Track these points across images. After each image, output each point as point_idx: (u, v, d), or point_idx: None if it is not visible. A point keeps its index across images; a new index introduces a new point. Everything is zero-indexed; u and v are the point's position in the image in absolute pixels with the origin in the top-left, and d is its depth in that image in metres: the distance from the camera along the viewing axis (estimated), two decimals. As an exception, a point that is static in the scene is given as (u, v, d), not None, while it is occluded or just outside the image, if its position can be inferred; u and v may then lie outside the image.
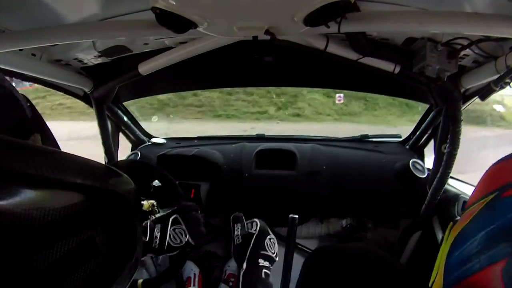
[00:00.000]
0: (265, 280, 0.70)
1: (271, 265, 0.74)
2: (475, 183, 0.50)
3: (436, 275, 0.54)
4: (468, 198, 1.25)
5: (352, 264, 0.83)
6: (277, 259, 0.76)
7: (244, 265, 0.72)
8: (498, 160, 0.52)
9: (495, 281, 0.41)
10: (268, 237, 0.76)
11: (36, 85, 1.28)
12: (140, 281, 0.98)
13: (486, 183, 0.51)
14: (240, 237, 0.77)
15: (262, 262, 0.72)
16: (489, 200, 0.47)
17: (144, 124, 1.93)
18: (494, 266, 0.42)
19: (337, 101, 7.61)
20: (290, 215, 1.00)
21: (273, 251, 0.75)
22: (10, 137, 0.29)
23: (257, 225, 0.77)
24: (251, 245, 0.73)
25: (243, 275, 0.70)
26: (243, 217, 0.83)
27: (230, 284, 1.45)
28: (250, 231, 0.77)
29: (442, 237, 0.54)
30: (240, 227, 0.79)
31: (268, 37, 0.84)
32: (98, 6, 0.89)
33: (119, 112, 1.68)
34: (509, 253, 0.42)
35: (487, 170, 0.54)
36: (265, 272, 0.71)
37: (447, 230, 0.56)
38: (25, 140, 0.41)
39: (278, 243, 1.61)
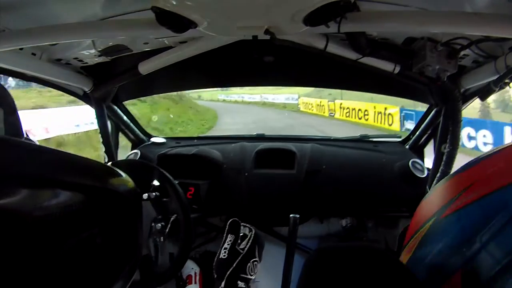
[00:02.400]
0: None
1: (247, 286, 0.75)
2: None
3: None
4: None
5: (353, 263, 0.83)
6: (255, 280, 0.77)
7: (223, 284, 0.73)
8: (429, 193, 0.56)
9: None
10: (252, 260, 0.76)
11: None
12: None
13: (421, 213, 0.55)
14: (227, 252, 0.77)
15: (240, 284, 0.73)
16: (428, 227, 0.50)
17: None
18: (452, 280, 0.44)
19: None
20: (291, 215, 1.00)
21: (252, 274, 0.76)
22: (10, 138, 0.29)
23: (247, 242, 0.78)
24: (234, 265, 0.74)
25: None
26: (240, 226, 0.82)
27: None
28: (238, 247, 0.76)
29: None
30: (232, 240, 0.79)
31: (268, 37, 0.84)
32: (98, 5, 0.89)
33: (119, 111, 1.68)
34: (461, 263, 0.44)
35: (420, 204, 0.58)
36: None
37: (404, 253, 0.58)
38: None
39: (278, 243, 1.62)
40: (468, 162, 0.56)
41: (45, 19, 0.89)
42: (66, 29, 0.88)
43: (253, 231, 0.80)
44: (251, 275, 0.75)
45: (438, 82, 0.98)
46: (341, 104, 13.41)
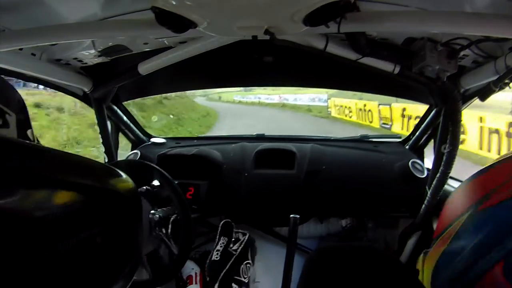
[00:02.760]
0: None
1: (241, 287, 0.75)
2: None
3: None
4: None
5: (353, 263, 0.84)
6: (246, 281, 0.76)
7: (216, 286, 0.72)
8: (463, 183, 0.56)
9: (498, 283, 0.43)
10: (245, 262, 0.76)
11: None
12: None
13: (456, 206, 0.55)
14: (219, 254, 0.76)
15: (234, 286, 0.73)
16: (465, 218, 0.51)
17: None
18: (493, 270, 0.44)
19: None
20: (292, 215, 1.00)
21: (245, 277, 0.76)
22: (11, 138, 0.29)
23: (240, 244, 0.77)
24: (227, 267, 0.73)
25: None
26: (233, 229, 0.82)
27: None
28: (230, 249, 0.76)
29: (417, 270, 0.57)
30: (225, 242, 0.79)
31: (267, 37, 0.84)
32: (97, 5, 0.89)
33: (119, 111, 1.68)
34: (503, 254, 0.44)
35: (451, 196, 0.59)
36: None
37: (419, 262, 0.58)
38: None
39: (278, 243, 1.62)
40: (505, 155, 0.58)
41: (45, 19, 0.89)
42: (66, 29, 0.88)
43: (247, 235, 0.80)
44: (245, 278, 0.75)
45: (438, 82, 0.98)
46: (404, 109, 7.99)
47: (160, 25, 0.77)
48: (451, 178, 1.33)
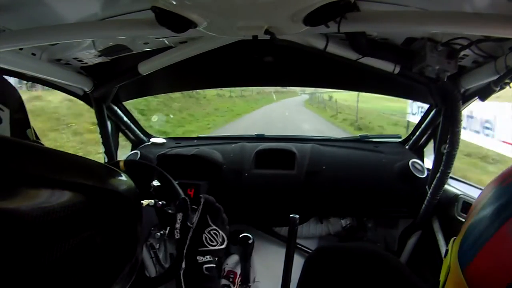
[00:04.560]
0: (208, 275, 0.67)
1: (215, 257, 0.71)
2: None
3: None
4: (467, 198, 1.25)
5: (353, 263, 0.83)
6: (222, 246, 0.72)
7: (183, 264, 0.68)
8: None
9: (509, 234, 0.46)
10: (207, 230, 0.70)
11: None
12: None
13: (485, 190, 0.58)
14: (178, 232, 0.73)
15: (201, 258, 0.68)
16: (490, 195, 0.54)
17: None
18: (505, 226, 0.47)
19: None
20: (291, 215, 1.00)
21: (213, 243, 0.69)
22: (10, 137, 0.29)
23: (197, 215, 0.72)
24: (188, 242, 0.69)
25: (183, 275, 0.67)
26: (188, 203, 0.77)
27: (230, 279, 1.45)
28: (189, 223, 0.72)
29: (446, 250, 0.59)
30: (181, 218, 0.75)
31: (268, 37, 0.84)
32: (97, 5, 0.89)
33: (119, 111, 1.68)
34: (510, 214, 0.46)
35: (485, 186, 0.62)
36: (206, 268, 0.67)
37: (450, 244, 0.60)
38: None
39: (278, 243, 1.62)
40: None
41: (45, 19, 0.89)
42: (66, 29, 0.88)
43: (202, 201, 0.76)
44: (213, 245, 0.70)
45: (438, 82, 0.98)
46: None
47: (160, 25, 0.77)
48: (451, 178, 1.33)
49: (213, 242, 0.70)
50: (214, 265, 0.69)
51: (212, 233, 0.71)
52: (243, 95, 21.27)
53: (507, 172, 0.59)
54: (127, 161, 1.11)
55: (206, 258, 0.68)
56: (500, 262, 0.47)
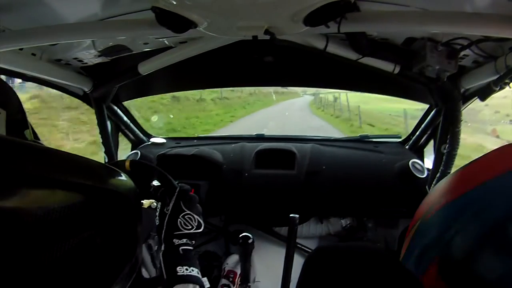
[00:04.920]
0: (184, 255, 0.72)
1: (191, 240, 0.75)
2: None
3: None
4: None
5: (353, 263, 0.83)
6: (198, 230, 0.76)
7: (162, 247, 0.74)
8: (428, 194, 0.63)
9: (434, 280, 0.50)
10: (181, 215, 0.75)
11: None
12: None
13: (418, 212, 0.61)
14: (157, 218, 0.78)
15: (177, 241, 0.73)
16: (419, 224, 0.57)
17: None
18: (430, 271, 0.51)
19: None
20: (291, 215, 1.00)
21: (189, 227, 0.75)
22: (10, 137, 0.29)
23: (172, 202, 0.77)
24: (164, 227, 0.74)
25: (162, 255, 0.72)
26: (165, 194, 0.82)
27: (230, 279, 1.45)
28: (166, 210, 0.77)
29: None
30: (160, 206, 0.80)
31: (268, 37, 0.84)
32: (97, 5, 0.89)
33: (119, 111, 1.68)
34: (437, 251, 0.50)
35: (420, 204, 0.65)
36: (183, 249, 0.73)
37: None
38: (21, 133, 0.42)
39: (278, 243, 1.62)
40: (465, 164, 0.61)
41: (45, 19, 0.89)
42: (66, 29, 0.88)
43: (177, 189, 0.80)
44: (188, 229, 0.75)
45: (438, 82, 0.98)
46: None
47: (160, 25, 0.77)
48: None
49: (188, 226, 0.76)
50: (190, 247, 0.74)
51: (186, 217, 0.76)
52: (227, 97, 14.99)
53: (454, 183, 0.59)
54: (132, 161, 1.12)
55: (182, 240, 0.73)
56: None
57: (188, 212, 0.76)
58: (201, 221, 0.79)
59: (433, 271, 0.50)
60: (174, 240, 0.73)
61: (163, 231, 0.74)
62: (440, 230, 0.52)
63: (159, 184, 1.14)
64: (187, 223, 0.76)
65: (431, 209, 0.58)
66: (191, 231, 0.75)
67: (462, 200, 0.52)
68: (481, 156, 0.57)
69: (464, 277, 0.46)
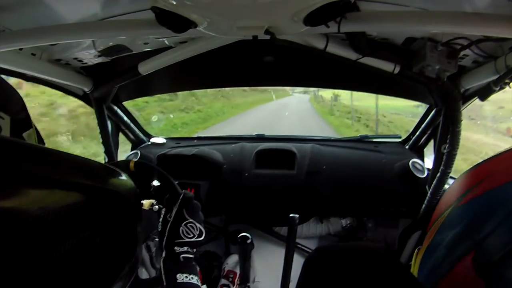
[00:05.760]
0: (185, 263, 0.73)
1: (193, 249, 0.75)
2: None
3: None
4: None
5: (353, 263, 0.84)
6: (199, 239, 0.76)
7: (163, 253, 0.74)
8: (452, 182, 0.65)
9: (467, 271, 0.51)
10: (184, 223, 0.75)
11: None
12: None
13: (443, 201, 0.63)
14: (160, 225, 0.78)
15: (178, 249, 0.73)
16: (446, 215, 0.58)
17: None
18: (464, 261, 0.50)
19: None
20: (291, 215, 1.00)
21: (190, 236, 0.75)
22: (10, 137, 0.29)
23: (175, 210, 0.77)
24: (166, 234, 0.75)
25: (163, 262, 0.73)
26: (171, 200, 0.82)
27: (230, 279, 1.46)
28: (168, 217, 0.77)
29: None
30: (163, 212, 0.80)
31: (268, 37, 0.84)
32: (97, 5, 0.89)
33: (119, 111, 1.68)
34: (472, 246, 0.52)
35: (446, 191, 0.67)
36: (183, 257, 0.73)
37: (414, 256, 0.65)
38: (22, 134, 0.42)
39: (278, 243, 1.62)
40: (487, 158, 0.66)
41: (45, 19, 0.89)
42: (66, 29, 0.88)
43: (181, 195, 0.80)
44: (189, 237, 0.75)
45: (438, 82, 0.98)
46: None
47: (160, 25, 0.77)
48: (451, 177, 1.33)
49: (190, 234, 0.76)
50: (191, 255, 0.74)
51: (188, 226, 0.76)
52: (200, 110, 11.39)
53: (465, 183, 0.62)
54: (137, 162, 1.12)
55: (183, 248, 0.73)
56: None
57: (191, 220, 0.76)
58: (203, 230, 0.79)
59: (467, 262, 0.52)
60: (175, 248, 0.73)
61: (165, 238, 0.74)
62: (473, 225, 0.54)
63: (159, 184, 1.14)
64: (189, 231, 0.76)
65: (456, 196, 0.61)
66: (193, 239, 0.75)
67: (493, 196, 0.55)
68: (502, 152, 0.61)
69: (497, 273, 0.48)
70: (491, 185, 0.57)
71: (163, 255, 0.73)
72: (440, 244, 0.58)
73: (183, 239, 0.74)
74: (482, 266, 0.50)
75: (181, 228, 0.75)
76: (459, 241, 0.55)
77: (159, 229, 0.77)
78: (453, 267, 0.53)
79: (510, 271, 0.46)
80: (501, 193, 0.54)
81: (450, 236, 0.57)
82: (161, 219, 0.78)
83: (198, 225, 0.78)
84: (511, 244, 0.48)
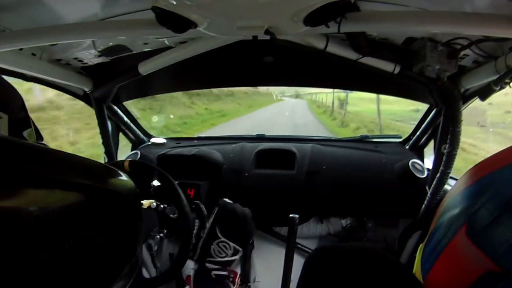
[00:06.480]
0: (217, 280, 0.71)
1: (225, 266, 0.74)
2: None
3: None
4: None
5: (353, 263, 0.84)
6: (232, 258, 0.75)
7: (195, 267, 0.73)
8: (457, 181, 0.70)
9: (463, 242, 0.58)
10: (216, 242, 0.74)
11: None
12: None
13: (450, 192, 0.69)
14: (194, 238, 0.77)
15: (210, 265, 0.72)
16: (449, 200, 0.63)
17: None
18: (459, 232, 0.59)
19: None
20: (291, 215, 1.00)
21: (222, 255, 0.73)
22: (10, 137, 0.29)
23: (208, 225, 0.76)
24: (198, 250, 0.73)
25: (194, 275, 0.71)
26: (204, 211, 0.81)
27: (230, 279, 1.46)
28: (201, 233, 0.76)
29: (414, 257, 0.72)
30: (198, 225, 0.79)
31: (268, 37, 0.84)
32: (97, 5, 0.89)
33: (119, 111, 1.68)
34: (465, 220, 0.59)
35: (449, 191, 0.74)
36: (215, 274, 0.72)
37: (418, 253, 0.71)
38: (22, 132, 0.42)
39: (278, 243, 1.62)
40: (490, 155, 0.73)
41: (45, 19, 0.89)
42: (66, 29, 0.88)
43: (214, 213, 0.79)
44: (221, 257, 0.73)
45: (438, 82, 0.98)
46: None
47: (160, 25, 0.77)
48: (451, 178, 1.33)
49: (222, 254, 0.74)
50: (225, 273, 0.72)
51: (221, 245, 0.74)
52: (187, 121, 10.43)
53: (471, 174, 0.68)
54: (132, 162, 1.11)
55: (216, 266, 0.71)
56: (454, 270, 0.54)
57: (223, 239, 0.74)
58: (238, 248, 0.77)
59: (461, 234, 0.58)
60: (207, 264, 0.72)
61: (197, 253, 0.73)
62: (466, 204, 0.62)
63: (159, 184, 1.14)
64: (221, 250, 0.74)
65: (455, 191, 0.67)
66: (225, 259, 0.73)
67: (483, 181, 0.64)
68: (499, 151, 0.69)
69: (487, 237, 0.56)
70: (487, 171, 0.65)
71: (195, 267, 0.72)
72: (440, 226, 0.64)
73: (214, 258, 0.73)
74: (474, 233, 0.58)
75: (212, 247, 0.73)
76: (455, 220, 0.62)
77: (193, 241, 0.76)
78: (452, 239, 0.60)
79: (496, 233, 0.55)
80: (494, 176, 0.62)
81: (446, 219, 0.63)
82: (195, 232, 0.76)
83: (232, 244, 0.75)
84: (498, 211, 0.56)
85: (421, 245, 0.70)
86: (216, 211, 0.77)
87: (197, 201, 0.85)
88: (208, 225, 0.75)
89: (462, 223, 0.59)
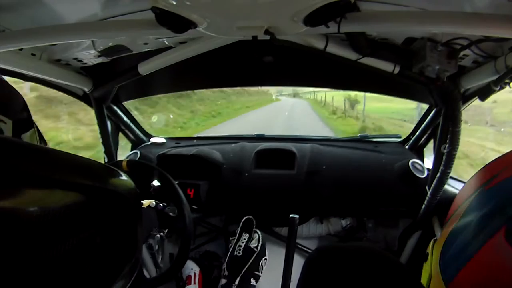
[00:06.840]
0: None
1: (256, 283, 0.77)
2: None
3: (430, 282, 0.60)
4: None
5: (353, 263, 0.83)
6: (261, 274, 0.78)
7: (237, 281, 0.74)
8: (472, 176, 0.65)
9: (500, 244, 0.50)
10: (264, 258, 0.77)
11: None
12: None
13: (466, 190, 0.62)
14: (241, 250, 0.77)
15: (252, 281, 0.75)
16: (474, 197, 0.57)
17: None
18: (495, 237, 0.50)
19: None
20: (291, 215, 1.00)
21: (262, 272, 0.77)
22: (10, 137, 0.29)
23: (258, 241, 0.78)
24: (249, 263, 0.75)
25: None
26: (253, 225, 0.82)
27: None
28: (251, 246, 0.77)
29: (427, 254, 0.65)
30: (247, 238, 0.80)
31: (267, 37, 0.84)
32: (97, 5, 0.89)
33: (119, 111, 1.68)
34: (504, 220, 0.51)
35: (463, 186, 0.68)
36: None
37: (430, 246, 0.64)
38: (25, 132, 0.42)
39: (278, 243, 1.62)
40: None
41: (45, 19, 0.89)
42: (66, 29, 0.88)
43: (260, 233, 0.82)
44: (261, 273, 0.76)
45: (438, 82, 0.98)
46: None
47: (160, 25, 0.77)
48: (451, 178, 1.33)
49: (263, 270, 0.77)
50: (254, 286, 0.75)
51: (265, 262, 0.78)
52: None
53: (491, 170, 0.62)
54: (129, 161, 1.11)
55: (254, 282, 0.76)
56: (489, 278, 0.48)
57: (267, 258, 0.78)
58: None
59: (499, 237, 0.52)
60: (251, 279, 0.74)
61: (246, 267, 0.75)
62: (500, 204, 0.55)
63: (159, 184, 1.14)
64: (264, 266, 0.77)
65: (475, 189, 0.62)
66: (261, 274, 0.77)
67: None
68: None
69: None
70: None
71: (236, 283, 0.73)
72: (466, 228, 0.58)
73: (260, 273, 0.75)
74: None
75: (261, 262, 0.75)
76: (489, 219, 0.55)
77: (238, 254, 0.77)
78: (484, 244, 0.54)
79: None
80: None
81: (479, 217, 0.57)
82: (242, 244, 0.78)
83: (266, 264, 0.79)
84: None
85: (434, 240, 0.66)
86: (261, 233, 0.81)
87: (250, 217, 0.87)
88: (260, 242, 0.78)
89: (499, 226, 0.52)
